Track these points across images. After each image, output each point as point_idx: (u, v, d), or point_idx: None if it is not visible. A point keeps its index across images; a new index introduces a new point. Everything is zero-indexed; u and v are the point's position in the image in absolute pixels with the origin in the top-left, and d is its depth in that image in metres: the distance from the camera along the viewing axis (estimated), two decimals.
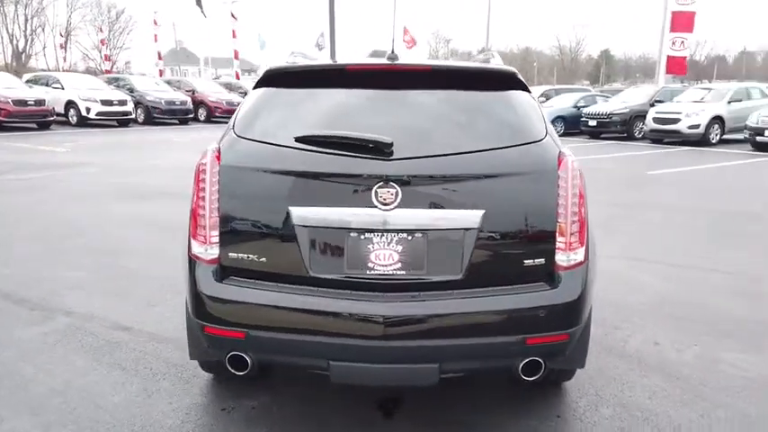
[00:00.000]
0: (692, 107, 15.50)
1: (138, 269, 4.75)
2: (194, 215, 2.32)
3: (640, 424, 2.64)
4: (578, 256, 2.26)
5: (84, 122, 18.19)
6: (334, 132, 2.24)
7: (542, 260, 2.23)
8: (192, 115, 21.13)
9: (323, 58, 3.00)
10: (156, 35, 39.77)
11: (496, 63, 2.84)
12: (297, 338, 2.19)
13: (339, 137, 2.23)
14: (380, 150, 2.18)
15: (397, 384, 2.34)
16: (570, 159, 2.26)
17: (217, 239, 2.27)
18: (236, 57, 37.76)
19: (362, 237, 2.17)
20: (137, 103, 19.81)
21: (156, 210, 6.98)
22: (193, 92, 22.20)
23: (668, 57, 18.62)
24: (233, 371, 2.31)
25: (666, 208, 7.55)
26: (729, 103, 15.66)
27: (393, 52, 2.67)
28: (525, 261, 2.22)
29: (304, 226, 2.18)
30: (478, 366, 2.29)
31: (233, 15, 37.24)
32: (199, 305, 2.28)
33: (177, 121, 20.87)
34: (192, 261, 2.32)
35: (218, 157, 2.30)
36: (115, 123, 19.18)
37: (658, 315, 3.89)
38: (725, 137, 15.53)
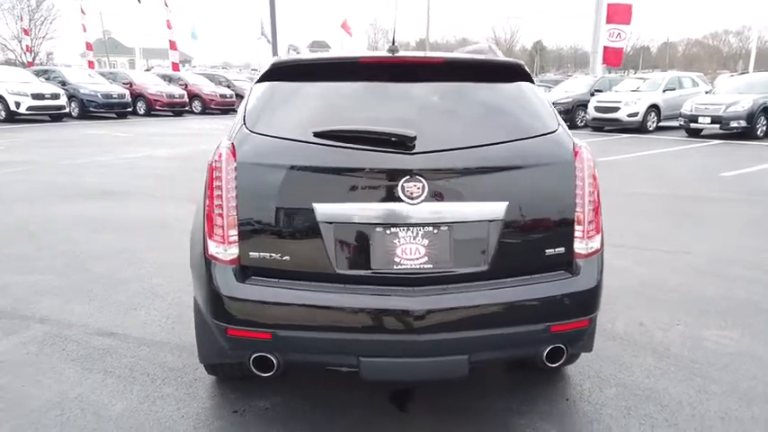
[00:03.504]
0: (630, 96, 16.17)
1: (107, 273, 4.54)
2: (209, 214, 2.24)
3: (644, 401, 2.76)
4: (595, 243, 2.33)
5: (13, 118, 17.12)
6: (356, 127, 2.21)
7: (562, 249, 2.28)
8: (130, 109, 20.29)
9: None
10: (83, 25, 37.91)
11: (496, 55, 2.87)
12: (326, 336, 2.16)
13: (361, 131, 2.20)
14: (403, 144, 2.17)
15: (427, 378, 2.34)
16: (585, 150, 2.32)
17: (236, 239, 2.20)
18: (173, 47, 36.51)
19: (388, 232, 2.16)
20: (70, 97, 18.81)
21: (106, 210, 6.68)
22: (131, 84, 21.31)
23: (605, 48, 19.30)
24: (257, 372, 2.25)
25: (622, 194, 7.86)
26: (664, 91, 16.43)
27: (393, 44, 2.66)
28: (547, 250, 2.27)
29: (329, 222, 2.15)
30: (505, 355, 2.33)
31: (166, 4, 35.93)
32: (219, 307, 2.21)
33: (115, 116, 19.99)
34: (209, 262, 2.24)
35: (234, 154, 2.22)
36: (47, 118, 18.16)
37: (638, 297, 4.06)
38: (661, 124, 16.30)
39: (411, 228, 2.16)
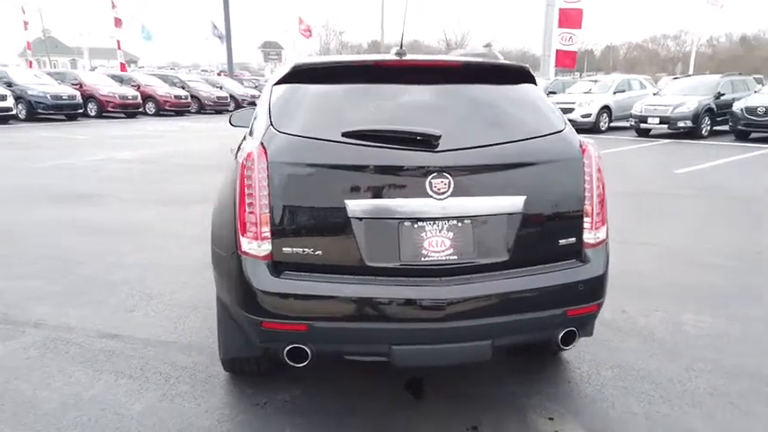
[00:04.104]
0: (584, 98, 16.79)
1: (94, 276, 4.49)
2: (241, 212, 2.30)
3: (639, 380, 2.97)
4: (602, 234, 2.51)
5: None
6: (385, 126, 2.32)
7: (573, 239, 2.45)
8: (81, 110, 19.67)
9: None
10: (25, 22, 36.50)
11: (498, 58, 3.04)
12: (359, 326, 2.26)
13: (390, 131, 2.31)
14: (428, 143, 2.29)
15: (453, 363, 2.47)
16: (592, 147, 2.50)
17: (268, 235, 2.27)
18: (120, 47, 35.54)
19: (416, 225, 2.27)
20: (17, 98, 18.10)
21: (81, 213, 6.55)
22: (81, 85, 20.63)
23: (558, 51, 19.95)
24: (291, 363, 2.33)
25: None
26: (615, 93, 17.13)
27: (402, 48, 2.79)
28: (560, 241, 2.44)
29: (360, 218, 2.25)
30: (525, 339, 2.48)
31: (114, 5, 34.93)
32: (253, 302, 2.28)
33: (65, 117, 19.34)
34: (242, 258, 2.31)
35: (265, 153, 2.29)
36: None
37: (616, 287, 4.26)
38: (612, 124, 16.99)
39: (437, 221, 2.28)
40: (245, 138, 3.02)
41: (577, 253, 2.48)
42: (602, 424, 2.62)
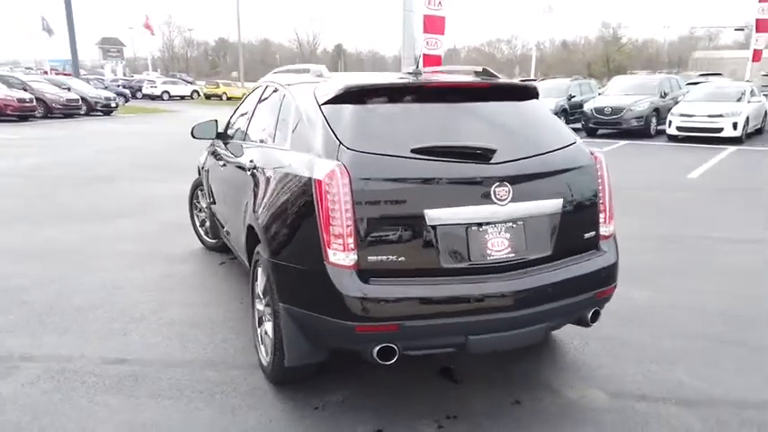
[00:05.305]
0: None
1: (55, 303, 4.18)
2: (325, 225, 2.46)
3: (621, 347, 3.55)
4: (611, 227, 3.01)
5: None
6: (450, 142, 2.61)
7: (593, 233, 2.92)
8: None
9: (317, 68, 3.26)
10: None
11: (496, 76, 3.43)
12: (444, 322, 2.52)
13: (454, 146, 2.60)
14: (485, 156, 2.62)
15: (517, 346, 2.81)
16: (600, 154, 2.99)
17: (354, 246, 2.46)
18: None
19: (480, 229, 2.59)
20: None
21: None
22: None
23: (425, 55, 21.05)
24: (380, 362, 2.52)
25: None
26: None
27: (417, 67, 3.09)
28: (585, 234, 2.89)
29: (436, 226, 2.51)
30: (568, 320, 2.90)
31: None
32: (345, 308, 2.45)
33: None
34: (330, 269, 2.46)
35: (345, 171, 2.47)
36: None
37: None
38: None
39: (497, 224, 2.62)
40: (226, 148, 3.11)
41: (595, 245, 2.95)
42: (613, 386, 3.13)
